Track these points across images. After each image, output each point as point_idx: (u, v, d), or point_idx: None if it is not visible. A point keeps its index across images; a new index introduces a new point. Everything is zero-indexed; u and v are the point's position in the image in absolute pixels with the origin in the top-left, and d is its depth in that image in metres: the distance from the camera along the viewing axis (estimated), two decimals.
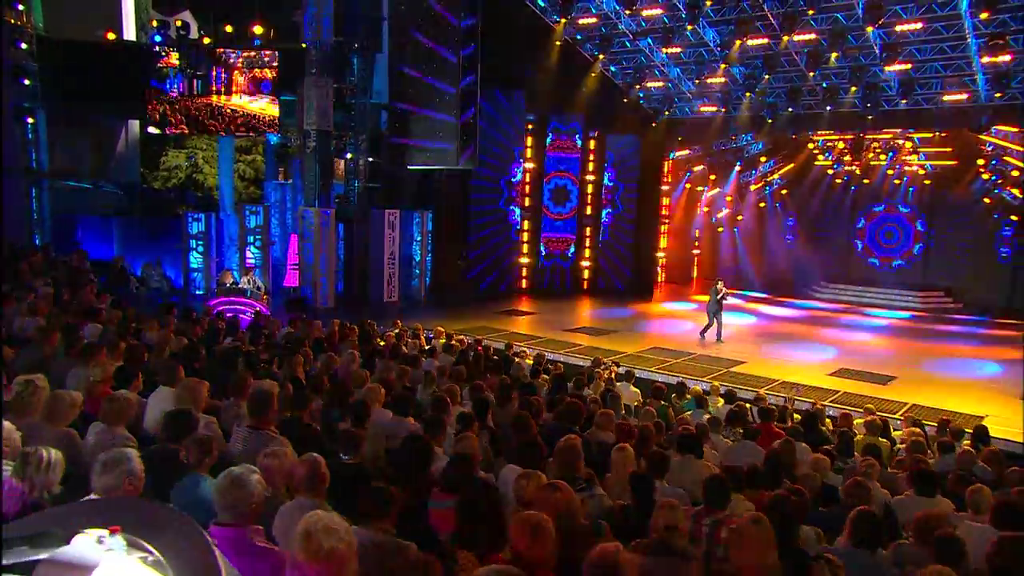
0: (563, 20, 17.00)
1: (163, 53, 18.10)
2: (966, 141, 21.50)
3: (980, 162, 22.00)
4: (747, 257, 27.60)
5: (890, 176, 24.56)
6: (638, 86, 19.80)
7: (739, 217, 27.60)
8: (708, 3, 14.54)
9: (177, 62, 18.22)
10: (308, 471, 3.45)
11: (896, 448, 7.64)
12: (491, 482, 3.50)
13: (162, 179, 26.96)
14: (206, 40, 18.47)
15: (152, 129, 18.67)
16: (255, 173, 27.06)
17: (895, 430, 8.78)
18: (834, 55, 15.60)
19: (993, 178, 22.24)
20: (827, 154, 24.43)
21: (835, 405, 10.58)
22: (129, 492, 3.03)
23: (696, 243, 28.14)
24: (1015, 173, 21.21)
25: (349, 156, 18.40)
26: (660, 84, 20.18)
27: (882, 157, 23.53)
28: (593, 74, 19.47)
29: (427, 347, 12.12)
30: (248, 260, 18.31)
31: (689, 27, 15.65)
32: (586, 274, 23.34)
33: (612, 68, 20.05)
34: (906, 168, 23.97)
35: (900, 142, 21.95)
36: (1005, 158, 20.95)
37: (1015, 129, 18.20)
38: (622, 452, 4.79)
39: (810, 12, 14.19)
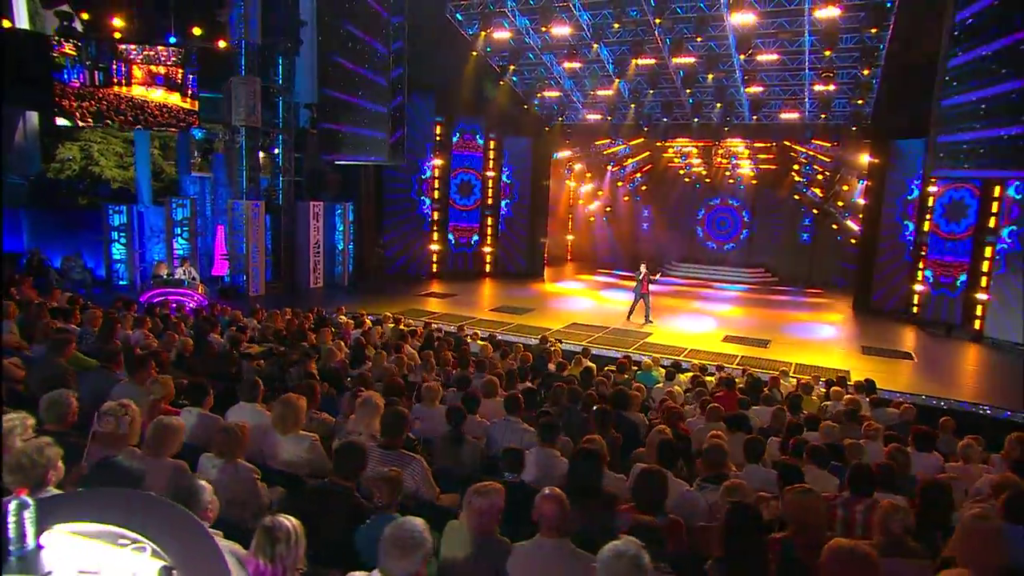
0: (483, 33, 16.51)
1: (58, 42, 15.42)
2: (785, 151, 23.69)
3: (795, 167, 24.37)
4: (615, 242, 28.81)
5: (726, 176, 26.59)
6: (539, 95, 19.76)
7: (608, 208, 28.67)
8: (616, 26, 14.70)
9: (74, 52, 15.62)
10: (558, 507, 2.72)
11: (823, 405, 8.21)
12: (753, 505, 3.05)
13: (54, 171, 23.19)
14: (117, 34, 16.05)
15: (62, 121, 15.86)
16: (153, 166, 24.07)
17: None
18: (711, 76, 16.46)
19: (803, 180, 24.73)
20: (682, 158, 25.90)
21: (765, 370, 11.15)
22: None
23: (570, 231, 28.92)
24: (820, 177, 23.72)
25: (277, 151, 16.85)
26: (556, 94, 20.22)
27: (725, 162, 25.32)
28: (501, 83, 19.17)
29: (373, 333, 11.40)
30: (175, 251, 16.35)
31: (594, 46, 15.78)
32: (488, 259, 23.19)
33: (515, 79, 19.82)
34: (739, 171, 26.04)
35: (740, 149, 23.68)
36: (815, 166, 23.33)
37: (827, 144, 20.23)
38: (717, 439, 4.51)
39: (698, 39, 14.82)
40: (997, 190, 14.91)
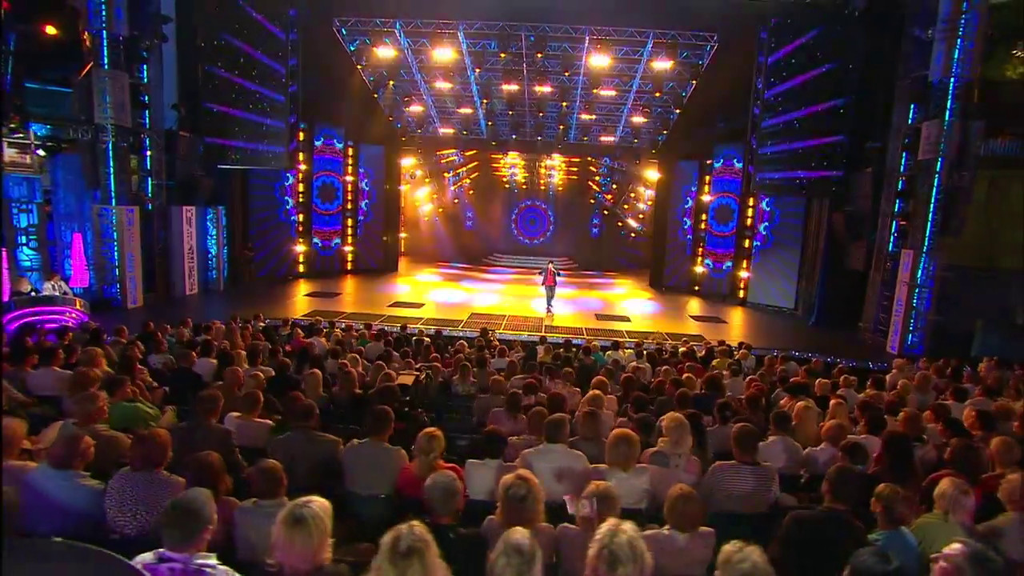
0: (374, 49, 15.31)
1: None
2: (588, 164, 26.31)
3: (596, 178, 27.20)
4: (446, 238, 28.97)
5: (539, 183, 28.54)
6: (406, 108, 19.00)
7: (440, 209, 28.67)
8: (502, 56, 14.89)
9: None
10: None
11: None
12: None
13: None
14: None
15: None
16: None
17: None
18: (564, 104, 17.61)
19: (602, 189, 27.75)
20: (510, 168, 27.04)
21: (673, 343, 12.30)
22: None
23: (403, 228, 28.25)
24: (614, 187, 26.88)
25: (149, 153, 13.57)
26: (419, 109, 19.63)
27: (544, 172, 27.12)
28: (375, 96, 17.96)
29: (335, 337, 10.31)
30: (20, 263, 12.29)
31: (477, 69, 15.77)
32: (350, 257, 21.69)
33: (379, 91, 18.75)
34: (551, 179, 28.16)
35: (557, 162, 25.60)
36: (611, 178, 26.35)
37: (629, 162, 23.04)
38: (809, 410, 4.63)
39: (566, 73, 15.79)
40: (751, 200, 18.77)
